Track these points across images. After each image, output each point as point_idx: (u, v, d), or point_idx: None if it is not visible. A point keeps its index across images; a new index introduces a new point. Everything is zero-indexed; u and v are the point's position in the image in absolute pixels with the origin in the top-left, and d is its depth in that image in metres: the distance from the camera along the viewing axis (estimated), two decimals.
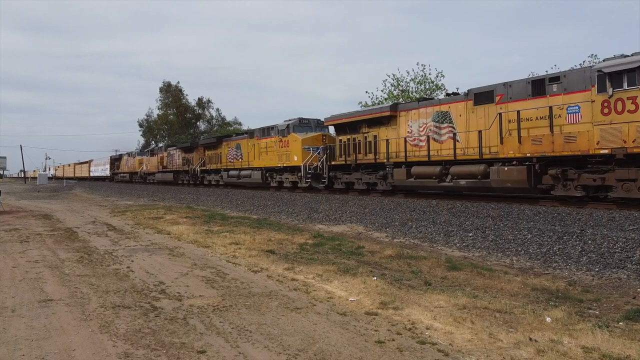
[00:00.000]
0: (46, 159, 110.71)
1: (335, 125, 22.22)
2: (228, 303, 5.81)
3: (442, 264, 8.15)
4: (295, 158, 23.70)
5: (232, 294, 6.26)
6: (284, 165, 24.74)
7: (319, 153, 22.85)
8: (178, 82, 75.99)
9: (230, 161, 31.36)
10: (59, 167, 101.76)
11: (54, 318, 5.28)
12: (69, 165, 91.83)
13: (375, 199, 17.88)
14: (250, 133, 29.17)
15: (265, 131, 27.01)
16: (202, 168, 35.47)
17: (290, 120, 25.08)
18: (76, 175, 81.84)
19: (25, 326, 5.01)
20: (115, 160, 61.99)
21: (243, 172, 29.22)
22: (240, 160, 29.88)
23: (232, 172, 30.80)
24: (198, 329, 4.88)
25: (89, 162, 75.27)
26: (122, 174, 57.58)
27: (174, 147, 42.66)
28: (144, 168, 48.97)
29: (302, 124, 24.75)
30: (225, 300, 5.95)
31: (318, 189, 22.76)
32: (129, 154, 57.09)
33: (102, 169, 66.84)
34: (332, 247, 9.82)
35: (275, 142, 25.73)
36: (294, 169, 24.13)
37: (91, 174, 72.04)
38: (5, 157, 54.94)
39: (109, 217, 16.98)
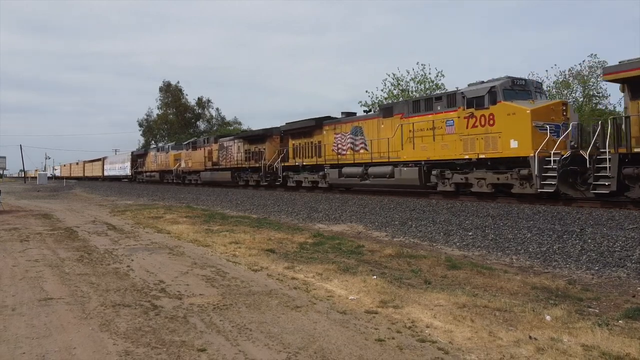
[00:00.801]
0: (46, 158, 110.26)
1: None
2: (228, 302, 5.81)
3: (442, 263, 8.16)
4: (514, 143, 14.06)
5: (232, 292, 6.27)
6: (482, 155, 14.98)
7: (564, 135, 13.66)
8: (178, 82, 76.36)
9: (340, 153, 21.44)
10: (65, 165, 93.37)
11: (55, 316, 5.28)
12: (77, 163, 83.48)
13: (375, 199, 17.88)
14: (385, 109, 19.20)
15: (424, 104, 17.20)
16: (286, 164, 25.64)
17: (493, 80, 15.14)
18: (86, 174, 73.50)
19: (25, 325, 5.01)
20: (138, 157, 53.07)
21: (374, 169, 18.98)
22: (362, 150, 20.10)
23: (347, 170, 20.58)
24: (198, 327, 4.89)
25: (102, 160, 67.37)
26: (148, 173, 48.23)
27: (230, 138, 33.06)
28: (183, 165, 39.31)
29: (517, 87, 14.89)
30: (225, 298, 5.95)
31: (577, 198, 13.35)
32: (158, 149, 47.83)
33: (120, 168, 57.99)
34: (332, 246, 9.82)
35: (451, 119, 15.97)
36: (501, 162, 14.71)
37: (105, 173, 63.75)
38: (5, 157, 54.94)
39: (109, 217, 16.98)
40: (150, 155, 48.92)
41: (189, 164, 38.17)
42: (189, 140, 41.49)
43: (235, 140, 31.65)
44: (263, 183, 27.83)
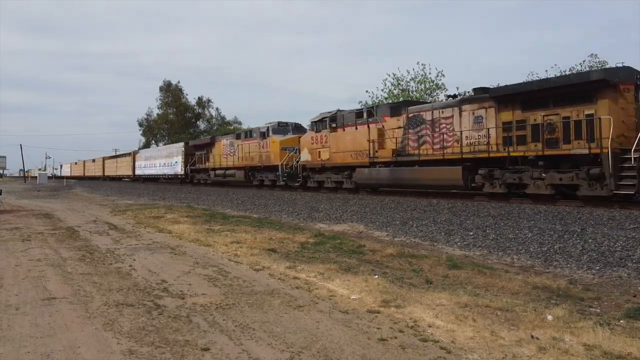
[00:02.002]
0: (46, 158, 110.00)
1: None
2: (230, 301, 5.84)
3: (443, 262, 8.18)
4: None
5: (235, 292, 6.29)
6: None
7: None
8: (178, 82, 76.22)
9: None
10: (76, 163, 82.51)
11: (58, 316, 5.30)
12: (93, 160, 71.02)
13: (376, 198, 17.90)
14: None
15: None
16: None
17: None
18: (107, 174, 61.58)
19: (29, 324, 5.04)
20: (196, 149, 37.76)
21: None
22: None
23: None
24: (201, 326, 4.91)
25: (131, 155, 53.61)
26: (218, 171, 33.40)
27: (453, 102, 16.47)
28: (306, 158, 23.37)
29: None
30: (227, 298, 5.98)
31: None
32: (238, 135, 32.03)
33: (164, 164, 43.28)
34: (333, 246, 9.84)
35: None
36: None
37: (137, 172, 50.74)
38: (5, 157, 55.09)
39: (110, 216, 17.00)
40: (220, 145, 33.38)
41: (321, 155, 22.35)
42: (323, 115, 22.49)
43: (466, 106, 15.74)
44: (610, 188, 11.75)
